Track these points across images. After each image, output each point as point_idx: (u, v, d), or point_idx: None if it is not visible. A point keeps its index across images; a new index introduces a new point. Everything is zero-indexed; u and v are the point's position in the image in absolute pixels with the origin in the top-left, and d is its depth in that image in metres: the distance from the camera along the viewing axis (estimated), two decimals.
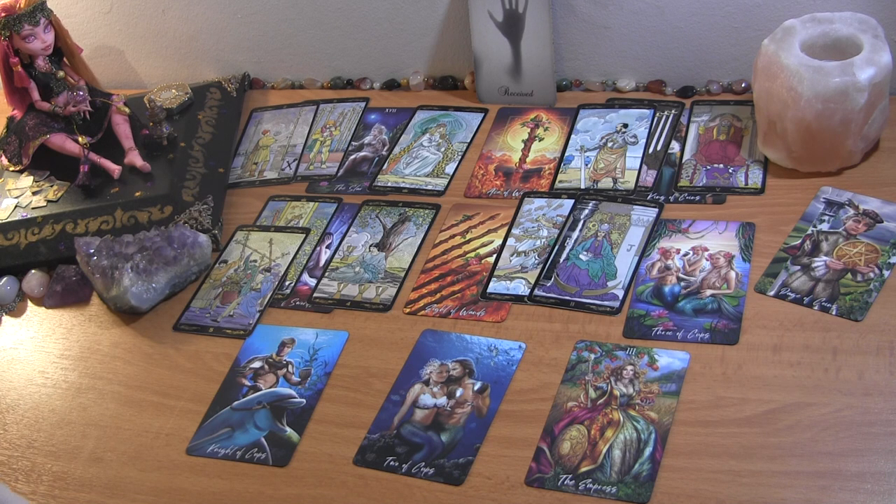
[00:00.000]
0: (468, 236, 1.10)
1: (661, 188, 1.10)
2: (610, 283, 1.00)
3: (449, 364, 0.97)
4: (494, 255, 1.06)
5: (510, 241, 1.08)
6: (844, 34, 1.06)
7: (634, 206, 1.07)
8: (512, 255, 1.06)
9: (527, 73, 1.25)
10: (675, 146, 1.15)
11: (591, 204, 1.09)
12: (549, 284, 1.02)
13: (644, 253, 1.02)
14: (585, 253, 1.04)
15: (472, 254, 1.08)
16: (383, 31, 1.33)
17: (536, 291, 1.01)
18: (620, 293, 0.99)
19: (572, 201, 1.10)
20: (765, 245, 1.01)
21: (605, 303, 0.98)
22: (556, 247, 1.05)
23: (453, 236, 1.10)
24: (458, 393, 0.94)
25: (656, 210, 1.06)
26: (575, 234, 1.06)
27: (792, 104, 1.02)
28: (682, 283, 0.99)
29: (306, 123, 1.32)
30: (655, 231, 1.04)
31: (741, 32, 1.19)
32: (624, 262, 1.02)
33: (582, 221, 1.07)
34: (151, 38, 1.42)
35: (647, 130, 1.17)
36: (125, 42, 1.43)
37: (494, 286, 1.03)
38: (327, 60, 1.38)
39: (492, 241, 1.08)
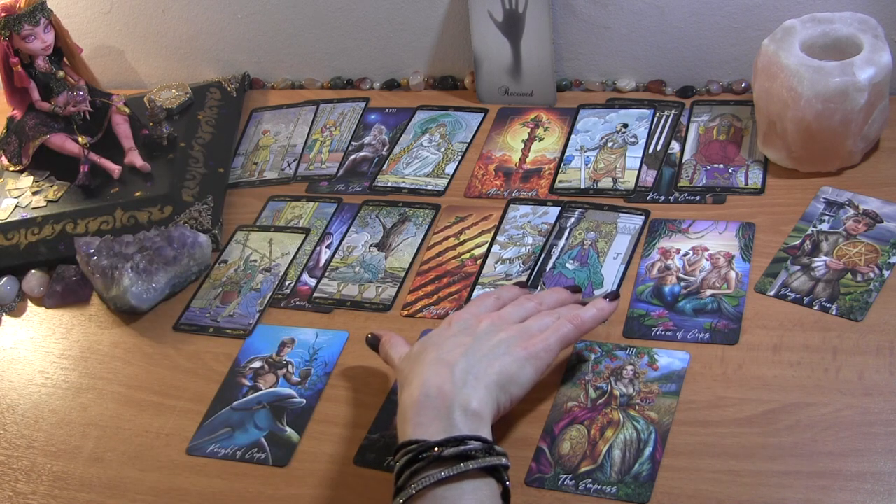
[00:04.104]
0: (462, 237, 1.10)
1: (661, 188, 1.10)
2: (596, 293, 1.00)
3: None
4: (480, 261, 1.06)
5: (495, 248, 1.07)
6: (844, 34, 1.06)
7: (621, 214, 1.07)
8: (497, 263, 1.05)
9: (527, 73, 1.25)
10: (675, 146, 1.15)
11: (577, 212, 1.09)
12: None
13: (630, 261, 1.02)
14: (572, 262, 1.03)
15: (467, 254, 1.08)
16: (383, 31, 1.33)
17: None
18: None
19: (558, 209, 1.09)
20: (765, 245, 1.01)
21: None
22: (543, 255, 1.05)
23: (447, 238, 1.10)
24: None
25: (643, 218, 1.06)
26: (561, 243, 1.06)
27: (792, 104, 1.02)
28: (682, 283, 0.99)
29: (306, 123, 1.32)
30: (642, 238, 1.04)
31: (741, 32, 1.19)
32: (610, 271, 1.02)
33: (568, 230, 1.07)
34: (151, 38, 1.42)
35: (647, 130, 1.17)
36: (125, 42, 1.43)
37: (478, 294, 1.02)
38: (327, 60, 1.38)
39: (486, 242, 1.08)
